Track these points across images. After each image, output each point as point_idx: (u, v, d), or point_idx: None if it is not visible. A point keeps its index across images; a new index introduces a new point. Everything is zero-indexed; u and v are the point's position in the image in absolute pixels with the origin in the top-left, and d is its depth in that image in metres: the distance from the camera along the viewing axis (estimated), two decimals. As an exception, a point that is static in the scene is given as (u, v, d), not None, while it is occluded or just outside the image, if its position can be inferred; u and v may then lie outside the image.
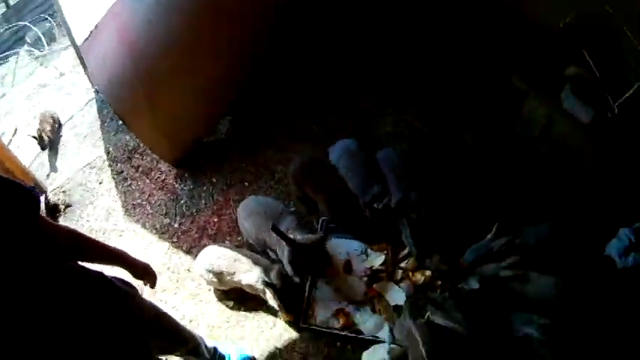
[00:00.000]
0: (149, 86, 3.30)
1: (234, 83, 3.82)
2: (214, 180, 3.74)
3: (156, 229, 3.55)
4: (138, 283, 2.16)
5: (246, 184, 3.69)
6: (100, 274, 1.89)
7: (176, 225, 3.57)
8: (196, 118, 3.73)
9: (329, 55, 4.11)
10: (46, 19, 5.51)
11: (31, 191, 1.53)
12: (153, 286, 2.27)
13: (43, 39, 5.32)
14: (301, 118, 3.98)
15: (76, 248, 1.81)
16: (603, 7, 3.36)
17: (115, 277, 1.99)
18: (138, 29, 3.22)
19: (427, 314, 2.60)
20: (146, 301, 2.23)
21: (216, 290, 3.17)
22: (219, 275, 2.98)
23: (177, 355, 2.63)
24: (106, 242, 2.41)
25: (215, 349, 2.90)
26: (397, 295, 2.97)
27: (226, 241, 3.40)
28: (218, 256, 3.00)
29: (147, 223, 3.60)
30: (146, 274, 2.21)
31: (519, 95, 3.63)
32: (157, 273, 2.23)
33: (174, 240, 3.50)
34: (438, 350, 2.47)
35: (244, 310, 3.10)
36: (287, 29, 3.70)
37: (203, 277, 3.05)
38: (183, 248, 3.45)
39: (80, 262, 1.84)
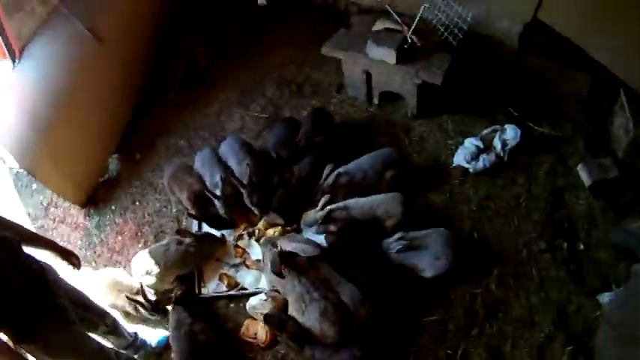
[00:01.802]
0: (48, 141, 4.12)
1: (117, 127, 4.89)
2: (113, 208, 4.56)
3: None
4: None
5: (137, 203, 4.54)
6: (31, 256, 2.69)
7: (90, 253, 4.33)
8: (91, 159, 4.68)
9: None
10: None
11: None
12: (78, 267, 3.01)
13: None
14: (169, 137, 4.98)
15: (24, 236, 2.70)
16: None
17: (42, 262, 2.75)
18: (35, 98, 4.06)
19: (278, 244, 3.46)
20: (63, 279, 2.89)
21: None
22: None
23: (99, 334, 3.14)
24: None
25: (136, 333, 3.54)
26: (257, 250, 3.84)
27: (129, 251, 4.21)
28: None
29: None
30: (71, 256, 2.98)
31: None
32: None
33: (93, 264, 4.25)
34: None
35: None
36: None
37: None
38: (101, 267, 4.19)
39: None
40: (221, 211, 3.94)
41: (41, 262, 2.73)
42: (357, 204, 3.71)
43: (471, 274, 3.59)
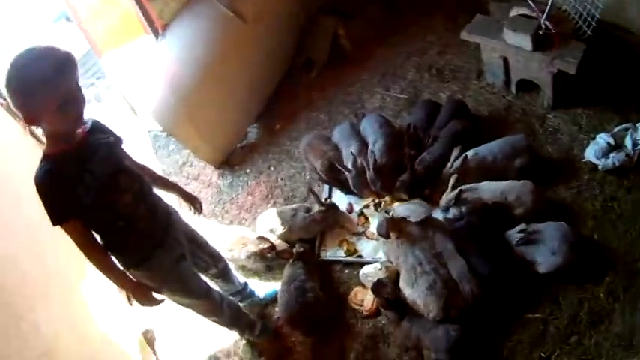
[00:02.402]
0: (189, 107, 4.57)
1: (259, 100, 5.28)
2: (248, 171, 4.93)
3: (204, 215, 4.33)
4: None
5: (272, 168, 4.87)
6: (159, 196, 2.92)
7: (219, 209, 4.71)
8: (230, 126, 5.08)
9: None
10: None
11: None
12: (200, 210, 3.23)
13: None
14: (310, 112, 5.28)
15: (151, 176, 2.95)
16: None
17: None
18: (177, 69, 4.53)
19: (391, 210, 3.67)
20: (184, 220, 3.08)
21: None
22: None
23: (209, 277, 3.33)
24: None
25: (246, 283, 3.80)
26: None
27: (257, 210, 4.52)
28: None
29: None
30: (195, 200, 3.26)
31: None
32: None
33: (220, 219, 4.63)
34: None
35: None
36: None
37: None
38: (226, 223, 4.59)
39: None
40: (351, 183, 4.14)
41: (168, 204, 2.93)
42: (489, 187, 3.74)
43: (584, 277, 3.45)
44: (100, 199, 2.37)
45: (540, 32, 4.05)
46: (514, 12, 4.40)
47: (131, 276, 2.68)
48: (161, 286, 2.79)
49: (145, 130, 5.60)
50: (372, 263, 3.79)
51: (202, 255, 3.21)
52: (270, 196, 4.60)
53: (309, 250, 3.92)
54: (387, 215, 3.60)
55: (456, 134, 4.12)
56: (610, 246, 3.56)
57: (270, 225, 4.04)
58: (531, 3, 4.17)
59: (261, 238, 3.91)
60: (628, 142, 3.87)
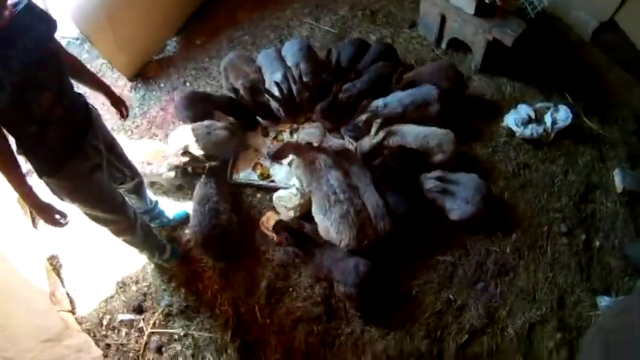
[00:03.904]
0: (109, 11, 4.41)
1: (181, 12, 5.20)
2: (162, 85, 4.88)
3: (113, 129, 4.45)
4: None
5: (187, 84, 4.84)
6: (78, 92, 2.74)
7: (129, 123, 4.62)
8: (150, 38, 4.97)
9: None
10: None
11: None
12: (125, 114, 3.19)
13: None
14: (234, 31, 5.25)
15: (80, 71, 2.85)
16: None
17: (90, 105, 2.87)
18: None
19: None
20: (106, 127, 3.02)
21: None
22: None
23: (124, 192, 3.32)
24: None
25: (156, 202, 3.81)
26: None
27: (170, 127, 4.50)
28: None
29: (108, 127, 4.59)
30: (122, 103, 3.18)
31: None
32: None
33: (129, 134, 4.57)
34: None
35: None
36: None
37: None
38: (136, 138, 4.52)
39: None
40: (275, 108, 4.24)
41: (88, 102, 2.82)
42: (413, 131, 3.94)
43: (492, 231, 3.83)
44: (14, 96, 2.19)
45: (487, 0, 4.22)
46: None
47: (46, 185, 2.64)
48: (75, 196, 2.75)
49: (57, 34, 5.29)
50: (284, 189, 3.93)
51: (120, 166, 3.18)
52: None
53: (220, 167, 3.99)
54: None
55: (381, 75, 4.31)
56: (518, 207, 3.96)
57: (183, 141, 4.03)
58: None
59: (186, 153, 3.91)
60: (548, 119, 4.25)
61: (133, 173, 3.35)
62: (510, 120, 4.27)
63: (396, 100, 4.11)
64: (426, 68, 4.42)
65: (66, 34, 5.17)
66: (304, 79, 4.22)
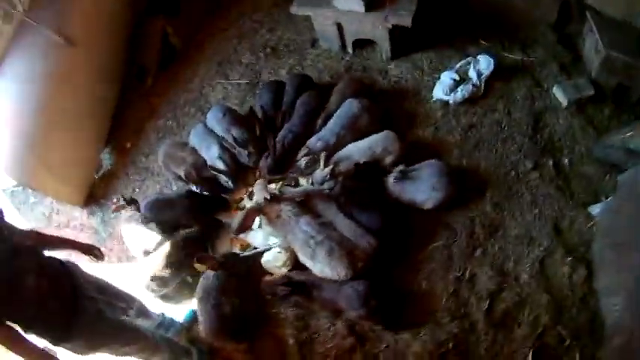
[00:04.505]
0: (38, 150, 4.48)
1: (103, 122, 5.24)
2: (115, 201, 4.77)
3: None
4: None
5: (137, 190, 4.91)
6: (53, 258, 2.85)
7: (103, 249, 4.53)
8: (83, 159, 5.02)
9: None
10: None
11: None
12: (102, 258, 3.25)
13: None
14: (156, 121, 5.35)
15: (40, 241, 2.90)
16: None
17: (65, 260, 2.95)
18: (18, 112, 4.42)
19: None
20: (88, 273, 3.07)
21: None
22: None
23: (130, 318, 3.32)
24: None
25: (162, 313, 3.87)
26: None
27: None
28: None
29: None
30: (92, 249, 3.22)
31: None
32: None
33: (107, 259, 4.47)
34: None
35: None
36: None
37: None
38: (115, 261, 4.55)
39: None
40: (224, 181, 4.39)
41: (64, 261, 2.92)
42: (357, 147, 4.12)
43: (467, 200, 3.99)
44: (2, 291, 2.38)
45: None
46: None
47: (66, 349, 2.74)
48: (94, 345, 2.86)
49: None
50: (268, 250, 4.00)
51: (117, 301, 3.26)
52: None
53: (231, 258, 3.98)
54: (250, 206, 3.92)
55: (310, 110, 4.50)
56: (480, 167, 4.13)
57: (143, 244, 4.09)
58: None
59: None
60: (472, 74, 4.43)
61: (131, 301, 3.44)
62: (438, 92, 4.44)
63: (327, 131, 4.30)
64: (337, 91, 4.59)
65: (6, 185, 5.19)
66: (241, 142, 4.37)
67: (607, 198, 3.82)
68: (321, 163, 4.04)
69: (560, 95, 4.32)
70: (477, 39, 4.79)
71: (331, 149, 4.19)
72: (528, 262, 3.69)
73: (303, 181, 4.29)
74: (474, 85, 4.38)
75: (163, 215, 4.25)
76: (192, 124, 5.02)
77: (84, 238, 4.72)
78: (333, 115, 4.38)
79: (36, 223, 5.02)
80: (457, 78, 4.40)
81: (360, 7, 4.46)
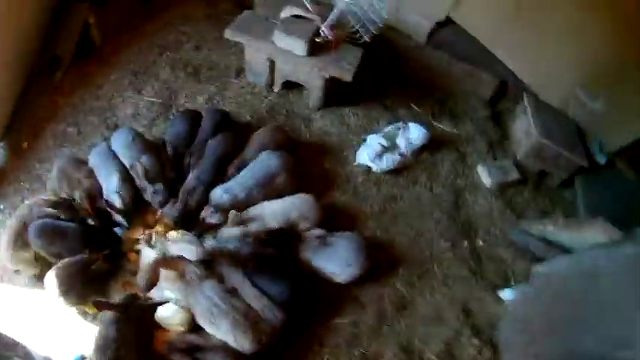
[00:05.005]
0: None
1: (2, 111, 4.61)
2: (1, 207, 4.33)
3: None
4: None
5: (24, 199, 4.34)
6: None
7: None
8: None
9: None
10: None
11: None
12: None
13: None
14: (57, 124, 4.83)
15: None
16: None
17: None
18: None
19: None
20: None
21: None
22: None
23: None
24: None
25: (47, 356, 3.45)
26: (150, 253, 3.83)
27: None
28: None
29: None
30: None
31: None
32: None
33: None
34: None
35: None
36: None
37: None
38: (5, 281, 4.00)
39: None
40: (119, 219, 4.01)
41: None
42: (270, 210, 3.90)
43: (378, 275, 3.92)
44: None
45: (318, 39, 4.25)
46: (287, 12, 4.49)
47: None
48: None
49: None
50: (162, 303, 3.69)
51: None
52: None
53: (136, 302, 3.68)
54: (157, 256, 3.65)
55: (221, 155, 4.22)
56: (395, 242, 4.08)
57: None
58: (308, 5, 4.37)
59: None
60: (401, 142, 4.34)
61: (15, 348, 3.18)
62: (363, 156, 4.34)
63: (236, 184, 4.05)
64: (256, 138, 4.35)
65: None
66: (151, 175, 4.07)
67: (517, 282, 3.93)
68: (231, 220, 3.85)
69: (484, 176, 4.39)
70: (407, 102, 4.76)
71: (239, 205, 3.96)
72: (436, 342, 3.70)
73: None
74: (401, 154, 4.33)
75: (53, 246, 3.84)
76: (94, 135, 4.63)
77: None
78: (246, 165, 4.15)
79: None
80: (385, 144, 4.31)
81: (301, 51, 4.30)
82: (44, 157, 4.60)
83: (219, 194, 3.97)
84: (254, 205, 3.98)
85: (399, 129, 4.44)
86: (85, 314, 3.60)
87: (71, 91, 5.03)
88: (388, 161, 4.30)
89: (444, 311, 3.84)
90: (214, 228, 3.96)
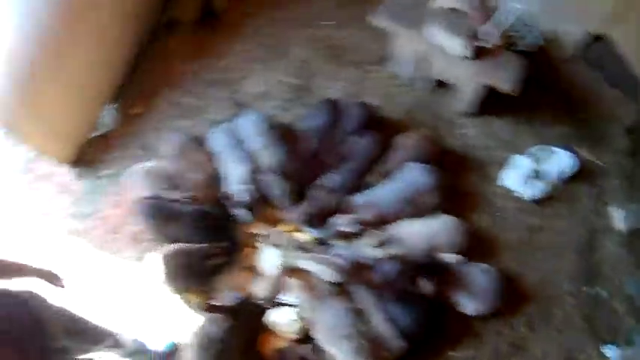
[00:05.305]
0: (25, 92, 3.72)
1: (112, 70, 4.44)
2: (108, 172, 4.28)
3: (67, 232, 4.01)
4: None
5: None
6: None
7: (82, 225, 4.05)
8: (79, 113, 4.28)
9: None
10: None
11: None
12: (62, 286, 2.77)
13: None
14: (174, 93, 4.64)
15: None
16: None
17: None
18: (13, 39, 3.57)
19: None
20: (52, 305, 2.67)
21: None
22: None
23: (106, 349, 3.06)
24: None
25: (137, 340, 3.43)
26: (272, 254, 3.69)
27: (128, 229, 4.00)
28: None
29: (57, 228, 3.98)
30: (53, 278, 2.75)
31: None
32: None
33: (85, 241, 4.00)
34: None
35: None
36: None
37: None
38: (94, 245, 3.98)
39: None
40: (239, 211, 3.81)
41: (23, 294, 2.53)
42: (415, 232, 3.67)
43: (502, 308, 3.70)
44: None
45: (477, 44, 3.92)
46: (440, 1, 4.12)
47: None
48: None
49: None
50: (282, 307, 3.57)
51: (91, 337, 2.93)
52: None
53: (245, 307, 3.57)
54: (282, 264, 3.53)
55: (368, 158, 3.95)
56: (526, 277, 3.86)
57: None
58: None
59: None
60: (551, 168, 4.05)
61: (107, 334, 3.08)
62: (510, 179, 4.07)
63: (379, 195, 3.79)
64: (403, 146, 4.04)
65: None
66: (280, 172, 3.81)
67: (628, 344, 3.68)
68: (369, 239, 3.66)
69: (617, 218, 4.08)
70: (551, 119, 4.44)
71: (380, 218, 3.71)
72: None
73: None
74: (550, 182, 4.05)
75: (166, 228, 3.73)
76: (215, 111, 4.43)
77: (64, 202, 4.13)
78: (389, 174, 3.88)
79: (12, 165, 4.34)
80: (536, 168, 4.03)
81: (460, 51, 3.96)
82: (158, 127, 4.44)
83: (359, 203, 3.74)
84: (394, 220, 3.75)
85: (547, 153, 4.14)
86: (187, 302, 3.54)
87: (190, 58, 4.80)
88: (537, 188, 4.02)
89: (548, 358, 3.63)
90: (346, 237, 3.74)
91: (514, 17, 3.97)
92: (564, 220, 4.06)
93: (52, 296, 2.70)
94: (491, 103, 4.29)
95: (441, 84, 4.44)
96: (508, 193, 4.11)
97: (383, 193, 3.78)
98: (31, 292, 2.55)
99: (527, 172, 4.00)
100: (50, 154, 4.20)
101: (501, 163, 4.18)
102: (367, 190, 3.82)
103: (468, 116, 4.42)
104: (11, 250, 3.45)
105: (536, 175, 4.02)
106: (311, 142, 3.99)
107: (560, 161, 4.08)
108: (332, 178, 3.84)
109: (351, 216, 3.67)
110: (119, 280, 3.74)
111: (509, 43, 4.10)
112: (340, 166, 3.89)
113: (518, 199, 4.08)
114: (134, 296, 3.66)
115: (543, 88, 4.52)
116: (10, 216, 4.00)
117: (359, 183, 3.88)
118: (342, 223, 3.68)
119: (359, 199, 3.76)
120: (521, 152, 4.19)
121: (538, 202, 4.07)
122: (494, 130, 4.40)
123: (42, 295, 2.61)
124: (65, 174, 4.27)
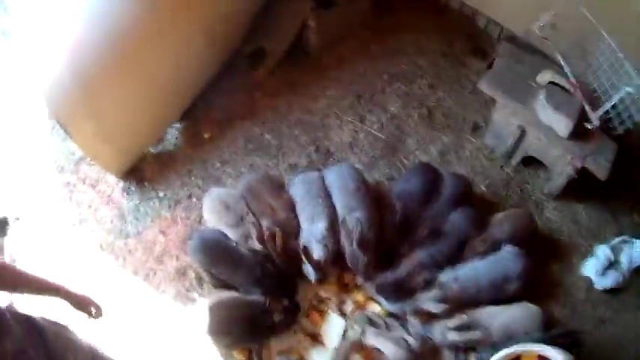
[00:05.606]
0: (89, 90, 3.46)
1: (187, 88, 4.11)
2: (161, 195, 3.93)
3: (100, 247, 3.69)
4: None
5: (194, 200, 3.89)
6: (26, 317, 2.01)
7: (121, 244, 3.69)
8: (143, 125, 3.93)
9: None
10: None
11: None
12: (98, 316, 2.43)
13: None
14: (252, 125, 4.33)
15: (29, 286, 2.11)
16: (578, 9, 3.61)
17: (43, 317, 2.10)
18: (84, 40, 3.37)
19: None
20: (77, 340, 2.29)
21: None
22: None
23: None
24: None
25: None
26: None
27: (174, 262, 3.60)
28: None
29: (91, 240, 3.72)
30: (87, 304, 2.37)
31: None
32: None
33: (120, 261, 3.63)
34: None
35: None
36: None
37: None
38: (129, 270, 3.60)
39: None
40: (308, 269, 3.34)
41: (49, 325, 2.10)
42: (495, 320, 3.24)
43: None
44: None
45: (588, 125, 3.69)
46: (546, 76, 3.94)
47: None
48: None
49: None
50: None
51: None
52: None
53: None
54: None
55: (463, 236, 3.52)
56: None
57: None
58: (570, 74, 3.84)
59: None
60: (624, 259, 3.80)
61: None
62: (590, 269, 3.78)
63: (471, 274, 3.36)
64: (501, 225, 3.66)
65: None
66: (361, 240, 3.31)
67: None
68: (452, 322, 3.18)
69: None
70: (631, 210, 4.18)
71: (463, 302, 3.28)
72: None
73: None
74: (622, 273, 3.75)
75: (215, 268, 3.36)
76: (297, 155, 4.10)
77: (106, 214, 3.82)
78: (482, 253, 3.46)
79: (61, 161, 4.09)
80: (612, 258, 3.75)
81: (563, 131, 3.73)
82: (227, 158, 4.14)
83: (448, 279, 3.31)
84: (477, 304, 3.32)
85: (624, 243, 3.88)
86: (230, 357, 3.20)
87: (275, 94, 4.51)
88: (611, 278, 3.73)
89: None
90: (423, 315, 3.30)
91: (619, 100, 3.67)
92: (632, 314, 3.72)
93: (77, 326, 2.33)
94: (575, 187, 4.03)
95: (530, 161, 4.21)
96: (584, 282, 3.82)
97: (471, 273, 3.38)
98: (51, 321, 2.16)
99: (604, 261, 3.76)
100: (101, 160, 3.90)
101: (584, 254, 3.91)
102: (456, 269, 3.41)
103: (555, 198, 4.15)
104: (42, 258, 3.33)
105: (611, 264, 3.78)
106: (403, 208, 3.55)
107: (633, 251, 3.84)
108: (424, 255, 3.42)
109: (435, 292, 3.25)
110: (153, 318, 3.37)
111: (609, 127, 3.88)
112: (434, 240, 3.49)
113: (594, 291, 3.78)
114: (168, 341, 3.28)
115: (626, 174, 4.19)
116: (45, 217, 3.77)
117: (448, 260, 3.46)
118: (425, 299, 3.25)
119: (445, 276, 3.35)
120: (603, 241, 3.94)
121: (609, 292, 3.79)
122: (580, 219, 4.11)
123: (64, 324, 2.25)
124: (113, 185, 3.99)
